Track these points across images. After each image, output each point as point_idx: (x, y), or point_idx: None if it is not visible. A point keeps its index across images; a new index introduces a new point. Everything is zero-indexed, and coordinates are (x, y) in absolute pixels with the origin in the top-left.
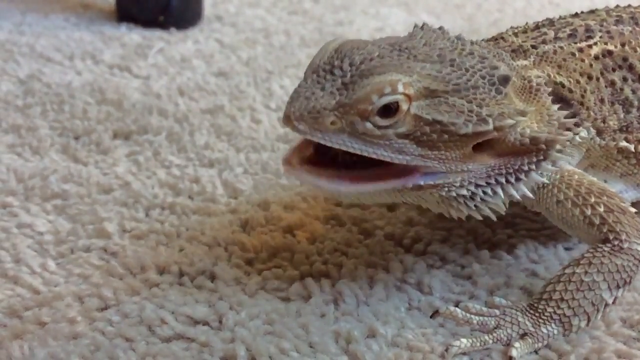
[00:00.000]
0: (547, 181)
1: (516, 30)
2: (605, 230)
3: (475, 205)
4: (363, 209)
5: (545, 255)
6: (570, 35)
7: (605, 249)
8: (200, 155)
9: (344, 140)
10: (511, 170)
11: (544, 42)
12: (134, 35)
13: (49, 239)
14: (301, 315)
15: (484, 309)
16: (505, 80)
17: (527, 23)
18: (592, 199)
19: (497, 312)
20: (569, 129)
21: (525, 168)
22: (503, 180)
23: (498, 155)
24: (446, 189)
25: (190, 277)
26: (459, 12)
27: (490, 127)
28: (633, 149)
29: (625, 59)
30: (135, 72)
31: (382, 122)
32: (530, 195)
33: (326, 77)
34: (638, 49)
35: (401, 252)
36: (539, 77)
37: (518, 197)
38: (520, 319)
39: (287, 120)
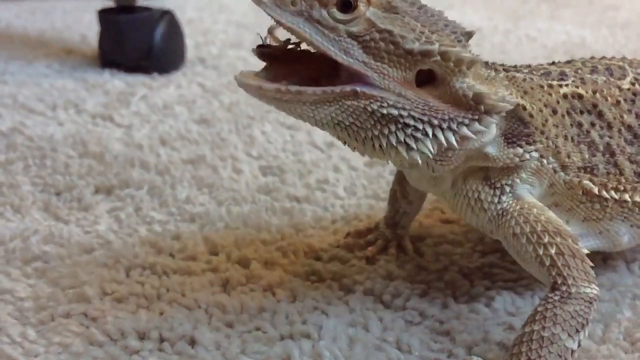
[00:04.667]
0: (495, 155)
1: (492, 62)
2: (553, 273)
3: (405, 140)
4: (342, 263)
5: (523, 308)
6: (543, 74)
7: (555, 298)
8: (182, 209)
9: (299, 22)
10: (446, 117)
11: (516, 71)
12: (117, 81)
13: (29, 305)
14: None
15: None
16: (468, 35)
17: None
18: (546, 239)
19: None
20: (519, 145)
21: (460, 120)
22: (436, 122)
23: (440, 99)
24: (379, 103)
25: (170, 343)
26: None
27: (436, 48)
28: (597, 192)
29: (595, 105)
30: (117, 121)
31: (338, 15)
32: (456, 145)
33: None
34: (609, 98)
35: (380, 308)
36: (502, 86)
37: (444, 143)
38: None
39: None
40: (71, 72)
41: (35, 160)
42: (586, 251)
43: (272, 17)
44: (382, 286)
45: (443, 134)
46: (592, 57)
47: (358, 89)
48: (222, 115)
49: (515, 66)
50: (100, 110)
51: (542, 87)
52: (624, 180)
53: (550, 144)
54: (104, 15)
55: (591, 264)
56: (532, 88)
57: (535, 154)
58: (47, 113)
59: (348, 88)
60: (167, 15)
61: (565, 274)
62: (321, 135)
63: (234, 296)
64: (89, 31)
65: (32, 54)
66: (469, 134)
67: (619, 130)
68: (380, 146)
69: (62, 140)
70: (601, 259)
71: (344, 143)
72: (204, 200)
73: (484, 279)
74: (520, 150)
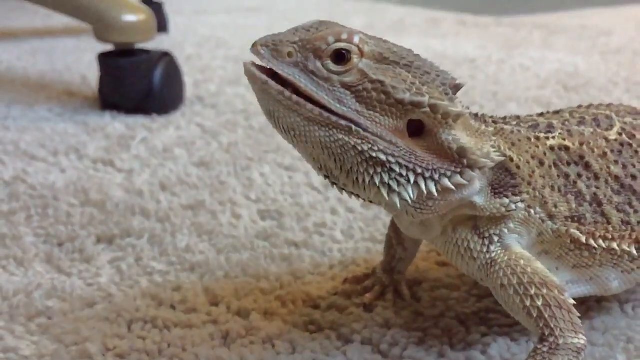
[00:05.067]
0: (482, 205)
1: (482, 114)
2: (541, 325)
3: (388, 182)
4: (340, 312)
5: (518, 354)
6: (531, 126)
7: (544, 349)
8: (182, 258)
9: (294, 73)
10: (430, 168)
11: (505, 123)
12: (117, 124)
13: None
14: None
15: None
16: (456, 87)
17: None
18: (533, 290)
19: None
20: (505, 196)
21: (442, 171)
22: (420, 171)
23: (427, 149)
24: (370, 145)
25: None
26: None
27: (426, 100)
28: (584, 240)
29: (582, 157)
30: (118, 165)
31: (333, 66)
32: (436, 194)
33: (300, 30)
34: (596, 149)
35: (378, 358)
36: (490, 140)
37: (424, 192)
38: None
39: (253, 45)
40: (72, 115)
41: (37, 210)
42: (573, 302)
43: (269, 68)
44: (379, 335)
45: (425, 182)
46: (580, 106)
47: (353, 127)
48: (220, 157)
49: (504, 118)
50: (101, 154)
51: (529, 139)
52: (611, 229)
53: (537, 194)
54: (104, 59)
55: (578, 314)
56: (519, 140)
57: (521, 205)
58: (49, 159)
59: (344, 122)
60: (165, 57)
61: (552, 326)
62: (318, 176)
63: (233, 350)
64: (89, 71)
65: (33, 97)
66: (450, 185)
67: (606, 181)
68: (363, 181)
69: (64, 189)
70: (594, 301)
71: (327, 174)
72: (204, 248)
73: (480, 324)
74: (507, 201)
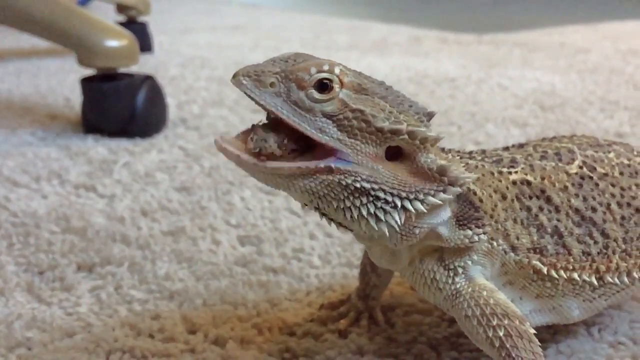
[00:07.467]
0: (447, 236)
1: (449, 149)
2: (503, 354)
3: (375, 212)
4: (315, 339)
5: None
6: (495, 161)
7: None
8: (161, 286)
9: (277, 103)
10: (413, 190)
11: (470, 158)
12: (100, 148)
13: None
14: None
15: None
16: (429, 115)
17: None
18: (495, 321)
19: None
20: (469, 228)
21: (426, 191)
22: (404, 194)
23: (409, 173)
24: (353, 177)
25: None
26: None
27: (404, 127)
28: (545, 272)
29: (543, 191)
30: (100, 191)
31: (316, 94)
32: (424, 209)
33: (278, 61)
34: (557, 183)
35: None
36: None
37: (413, 211)
38: None
39: (235, 76)
40: (55, 139)
41: (19, 238)
42: (533, 331)
43: (251, 98)
44: None
45: (411, 204)
46: (544, 139)
47: (333, 165)
48: (202, 181)
49: (470, 152)
50: (83, 180)
51: (492, 174)
52: (572, 260)
53: (500, 227)
54: (87, 83)
55: (538, 343)
56: (483, 175)
57: (484, 237)
58: (31, 185)
59: (322, 164)
60: (148, 81)
61: (514, 355)
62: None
63: None
64: (72, 93)
65: (17, 121)
66: (437, 201)
67: (567, 213)
68: (352, 216)
69: (46, 216)
70: (562, 325)
71: (316, 209)
72: (183, 276)
73: (451, 349)
74: (470, 233)
